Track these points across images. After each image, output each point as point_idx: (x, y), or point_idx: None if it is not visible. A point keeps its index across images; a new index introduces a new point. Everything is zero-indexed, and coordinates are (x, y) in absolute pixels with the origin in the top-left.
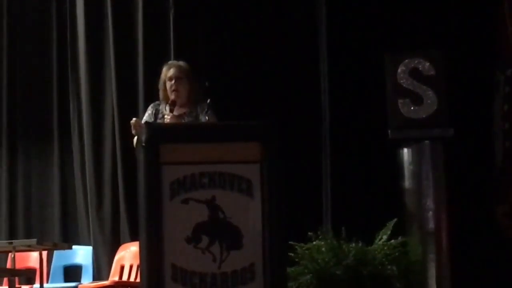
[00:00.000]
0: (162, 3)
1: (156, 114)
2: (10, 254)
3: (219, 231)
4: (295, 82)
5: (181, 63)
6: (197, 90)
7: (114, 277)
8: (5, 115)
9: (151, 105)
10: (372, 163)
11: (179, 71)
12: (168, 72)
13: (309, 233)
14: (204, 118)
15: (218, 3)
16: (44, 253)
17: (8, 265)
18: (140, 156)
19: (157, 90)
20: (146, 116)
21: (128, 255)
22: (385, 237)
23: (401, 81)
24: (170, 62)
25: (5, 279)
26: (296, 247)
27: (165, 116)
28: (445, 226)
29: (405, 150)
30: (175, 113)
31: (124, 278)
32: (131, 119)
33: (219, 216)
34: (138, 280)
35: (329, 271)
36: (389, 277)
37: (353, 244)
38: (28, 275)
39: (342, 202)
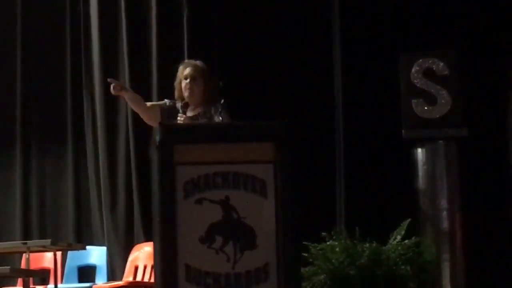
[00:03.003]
0: (175, 3)
1: (172, 109)
2: (24, 254)
3: (233, 231)
4: (308, 82)
5: (197, 62)
6: (212, 90)
7: (128, 277)
8: (19, 116)
9: (169, 100)
10: (386, 163)
11: (194, 70)
12: (184, 70)
13: (323, 233)
14: (218, 118)
15: (231, 3)
16: (58, 253)
17: (23, 265)
18: (154, 157)
19: (171, 90)
20: (162, 103)
21: (142, 255)
22: (399, 237)
23: (415, 81)
24: (186, 61)
25: (20, 280)
26: (310, 247)
27: (178, 118)
28: (459, 226)
29: (419, 150)
30: (188, 114)
31: (138, 278)
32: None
33: (233, 216)
34: (152, 280)
35: (343, 271)
36: (403, 277)
37: (367, 244)
38: (42, 275)
39: (356, 202)
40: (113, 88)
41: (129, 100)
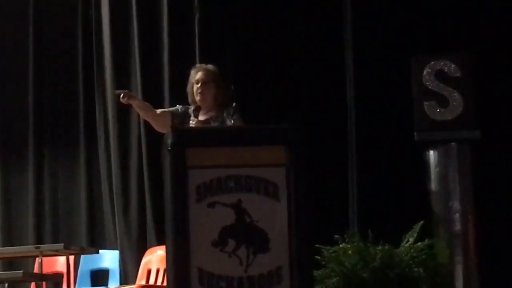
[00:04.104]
0: (187, 7)
1: (184, 115)
2: (37, 258)
3: (246, 234)
4: (320, 85)
5: (209, 66)
6: (224, 94)
7: (141, 281)
8: (31, 120)
9: (181, 106)
10: (399, 165)
11: (205, 75)
12: (195, 75)
13: (336, 236)
14: (230, 122)
15: (243, 7)
16: (71, 257)
17: (36, 269)
18: (166, 160)
19: (183, 94)
20: (174, 109)
21: (155, 259)
22: (412, 239)
23: (427, 83)
24: (198, 65)
25: (33, 284)
26: (323, 250)
27: (190, 122)
28: (472, 228)
29: (432, 152)
30: (200, 118)
31: (151, 282)
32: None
33: (245, 219)
34: (165, 284)
35: (356, 274)
36: (416, 280)
37: (380, 247)
38: (55, 279)
39: (368, 205)
40: (122, 97)
41: (137, 107)
